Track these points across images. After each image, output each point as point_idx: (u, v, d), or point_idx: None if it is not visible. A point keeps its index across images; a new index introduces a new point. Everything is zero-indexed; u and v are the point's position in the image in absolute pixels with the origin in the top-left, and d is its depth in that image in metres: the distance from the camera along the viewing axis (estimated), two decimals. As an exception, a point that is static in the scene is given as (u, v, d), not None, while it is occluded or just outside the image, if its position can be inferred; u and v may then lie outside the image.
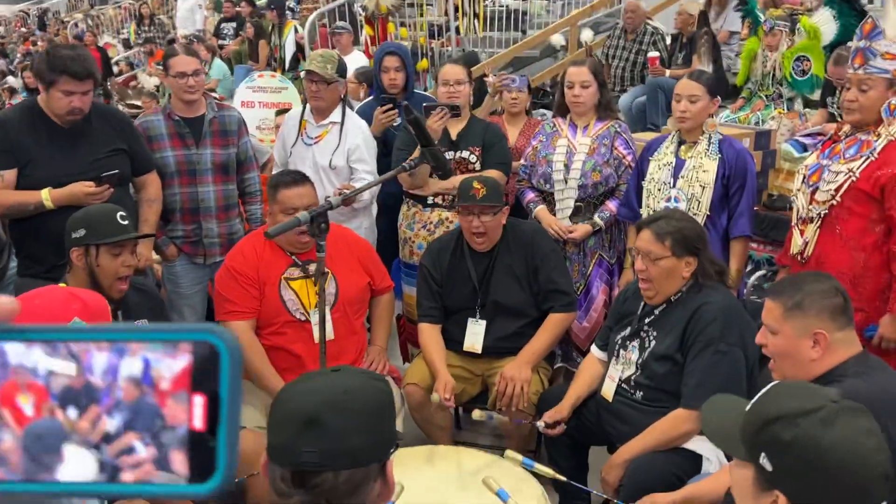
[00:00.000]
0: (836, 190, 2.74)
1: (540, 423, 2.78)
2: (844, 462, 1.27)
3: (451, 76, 3.60)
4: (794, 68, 5.62)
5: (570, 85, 3.49)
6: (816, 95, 5.49)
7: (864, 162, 2.72)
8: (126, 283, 2.55)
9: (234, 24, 10.96)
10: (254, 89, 6.01)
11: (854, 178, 2.71)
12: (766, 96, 5.75)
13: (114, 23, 15.89)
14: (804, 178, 2.90)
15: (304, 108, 3.73)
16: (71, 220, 2.52)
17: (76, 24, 14.80)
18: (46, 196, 2.91)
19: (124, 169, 3.14)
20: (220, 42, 10.86)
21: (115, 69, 12.07)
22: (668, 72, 6.09)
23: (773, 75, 5.73)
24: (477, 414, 2.80)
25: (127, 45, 13.66)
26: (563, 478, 2.43)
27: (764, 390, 1.43)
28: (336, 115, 3.68)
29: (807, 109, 5.48)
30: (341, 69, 3.64)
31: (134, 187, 3.29)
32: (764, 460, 1.31)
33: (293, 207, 2.84)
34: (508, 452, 2.36)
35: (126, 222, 2.52)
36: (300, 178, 2.99)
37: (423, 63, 7.97)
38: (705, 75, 3.38)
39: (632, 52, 6.53)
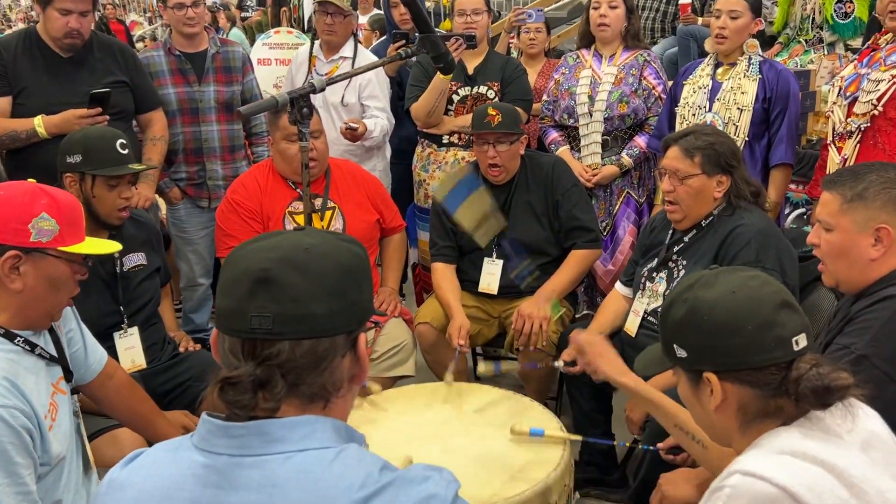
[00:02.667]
0: (879, 99, 2.49)
1: (559, 363, 2.58)
2: (735, 307, 1.25)
3: (468, 5, 3.38)
4: (835, 10, 5.30)
5: (597, 5, 3.26)
6: (859, 42, 5.17)
7: (910, 68, 2.48)
8: (126, 211, 2.40)
9: (256, -3, 10.88)
10: (270, 46, 5.86)
11: (900, 85, 2.47)
12: (806, 41, 5.45)
13: (141, 2, 15.94)
14: (840, 90, 2.65)
15: (313, 43, 3.56)
16: (67, 141, 2.34)
17: (102, 5, 14.82)
18: (39, 123, 2.77)
19: (126, 104, 3.00)
20: (243, 14, 10.78)
21: (141, 45, 12.04)
22: (700, 20, 5.80)
23: (813, 19, 5.42)
24: (482, 368, 2.55)
25: (152, 21, 13.65)
26: (578, 437, 2.22)
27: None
28: (347, 49, 3.52)
29: (849, 53, 5.16)
30: (355, 2, 3.47)
31: (138, 125, 3.15)
32: (679, 351, 1.30)
33: (295, 134, 2.67)
34: (514, 426, 2.13)
35: (126, 151, 2.35)
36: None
37: (447, 24, 7.74)
38: None
39: (662, 1, 6.25)
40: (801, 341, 1.25)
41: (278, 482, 0.94)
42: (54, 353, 1.68)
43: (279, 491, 0.94)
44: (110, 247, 1.76)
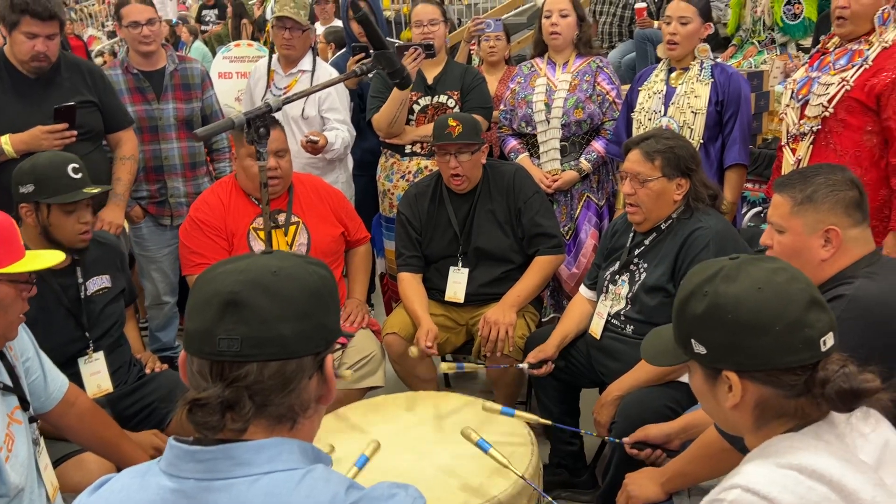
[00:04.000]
0: (829, 101, 2.57)
1: (524, 365, 2.62)
2: (762, 306, 1.16)
3: (424, 16, 3.42)
4: (784, 12, 5.44)
5: (549, 14, 3.31)
6: (809, 41, 5.30)
7: (857, 70, 2.56)
8: (88, 234, 2.38)
9: (215, 11, 10.81)
10: (231, 59, 5.83)
11: (848, 87, 2.55)
12: (759, 42, 5.57)
13: (98, 17, 15.72)
14: (793, 92, 2.73)
15: (271, 57, 3.56)
16: (17, 172, 2.32)
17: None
18: (6, 141, 2.74)
19: (95, 124, 2.97)
20: (203, 28, 10.71)
21: (100, 59, 11.89)
22: (656, 23, 5.89)
23: (764, 21, 5.55)
24: (444, 367, 2.59)
25: (112, 36, 13.48)
26: (547, 421, 2.28)
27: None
28: (306, 63, 3.53)
29: (800, 53, 5.29)
30: (312, 15, 3.48)
31: (109, 144, 3.12)
32: (698, 347, 1.22)
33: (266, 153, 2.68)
34: (485, 404, 2.18)
35: (79, 175, 2.32)
36: (269, 122, 2.80)
37: (408, 33, 7.77)
38: None
39: (619, 6, 6.34)
40: (829, 341, 1.17)
41: None
42: (9, 382, 1.66)
43: None
44: (52, 259, 1.73)
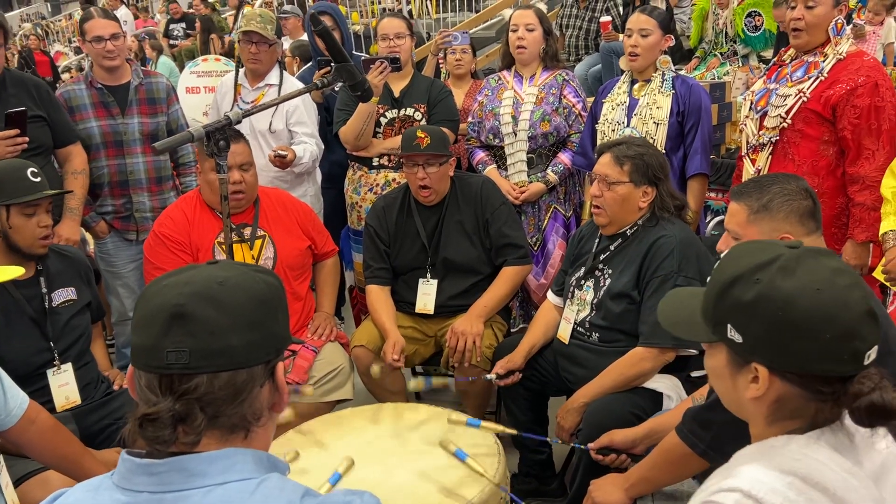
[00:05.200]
0: (787, 112, 2.63)
1: (491, 375, 2.63)
2: (817, 308, 1.07)
3: (390, 30, 3.44)
4: (746, 24, 5.56)
5: (515, 28, 3.35)
6: (770, 52, 5.42)
7: (813, 82, 2.62)
8: (49, 239, 2.37)
9: (182, 25, 10.76)
10: (198, 74, 5.81)
11: (805, 99, 2.61)
12: (721, 54, 5.69)
13: (65, 33, 15.58)
14: (751, 104, 2.79)
15: (238, 71, 3.56)
16: None
17: (26, 36, 14.46)
18: None
19: (44, 139, 2.95)
20: (172, 42, 10.65)
21: (67, 76, 11.77)
22: (621, 36, 5.96)
23: (726, 33, 5.67)
24: (412, 384, 2.54)
25: (79, 52, 13.35)
26: (513, 431, 2.29)
27: (722, 256, 1.23)
28: (273, 76, 3.53)
29: (761, 65, 5.41)
30: (279, 30, 3.49)
31: (57, 160, 3.10)
32: (733, 333, 1.13)
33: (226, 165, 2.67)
34: (451, 415, 2.19)
35: (38, 179, 2.32)
36: (234, 135, 2.80)
37: (376, 47, 7.80)
38: (657, 10, 3.24)
39: (585, 20, 6.44)
40: (872, 355, 1.10)
41: None
42: None
43: None
44: (12, 272, 1.72)
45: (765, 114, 2.72)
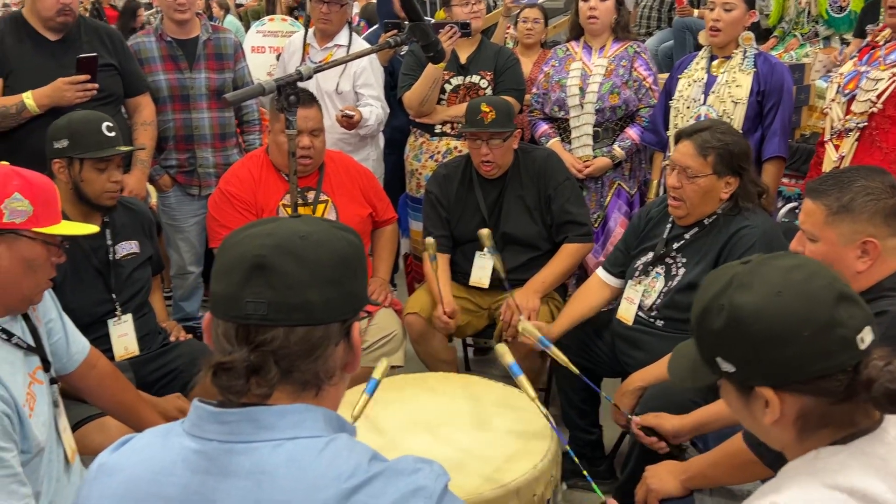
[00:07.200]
0: (878, 97, 2.49)
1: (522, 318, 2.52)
2: (784, 312, 1.05)
3: None
4: (830, 4, 5.30)
5: (587, -2, 3.25)
6: (851, 35, 5.16)
7: (909, 65, 2.47)
8: (118, 193, 2.39)
9: (252, -17, 10.77)
10: (264, 33, 5.80)
11: (899, 83, 2.46)
12: (801, 35, 5.44)
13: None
14: (839, 87, 2.64)
15: (306, 31, 3.54)
16: (53, 128, 2.33)
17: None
18: (28, 96, 2.74)
19: (115, 88, 2.97)
20: (238, 1, 10.69)
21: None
22: (696, 12, 5.78)
23: (809, 12, 5.41)
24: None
25: (148, 8, 13.54)
26: (575, 370, 2.16)
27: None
28: (342, 37, 3.50)
29: (844, 47, 5.16)
30: (351, -13, 3.45)
31: (126, 110, 3.12)
32: (724, 364, 1.11)
33: (297, 130, 2.65)
34: (523, 325, 2.17)
35: (113, 134, 2.33)
36: (307, 99, 2.75)
37: (441, 14, 7.70)
38: None
39: (659, -8, 6.23)
40: (867, 337, 1.06)
41: (267, 469, 0.94)
42: (31, 342, 1.67)
43: (268, 478, 0.94)
44: (86, 228, 1.74)
45: (853, 97, 2.57)
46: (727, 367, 1.11)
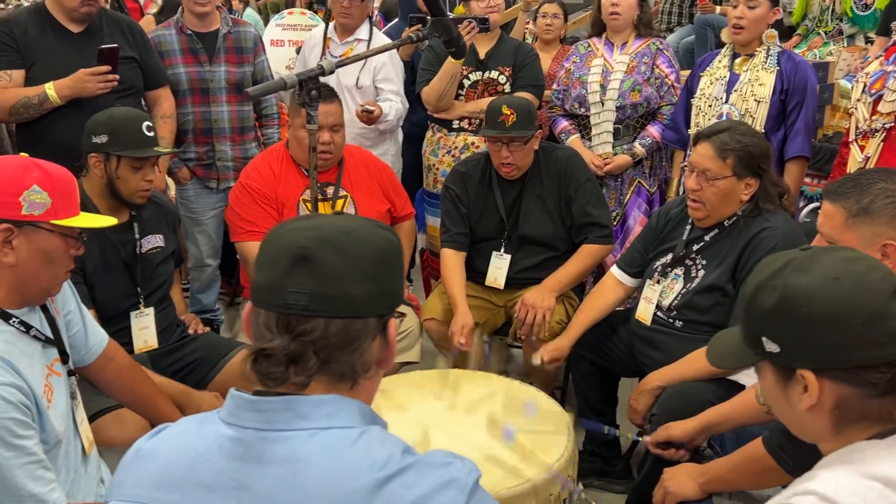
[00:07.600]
0: (905, 97, 2.45)
1: (536, 360, 2.54)
2: (839, 297, 1.06)
3: None
4: (855, 2, 5.22)
5: (609, -6, 3.22)
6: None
7: (938, 65, 2.43)
8: (149, 192, 2.41)
9: (271, -24, 10.79)
10: (283, 27, 5.81)
11: (927, 83, 2.42)
12: (825, 33, 5.37)
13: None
14: (865, 86, 2.60)
15: (328, 25, 3.53)
16: (92, 122, 2.34)
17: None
18: (50, 86, 2.75)
19: (136, 80, 2.98)
20: (258, -6, 10.71)
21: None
22: (718, 8, 5.72)
23: (833, 10, 5.34)
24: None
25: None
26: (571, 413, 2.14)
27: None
28: (363, 31, 3.50)
29: (868, 45, 5.09)
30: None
31: (146, 103, 3.13)
32: (769, 345, 1.12)
33: (318, 125, 2.64)
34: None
35: (152, 134, 2.35)
36: (328, 94, 2.74)
37: (460, 9, 7.67)
38: None
39: (680, -11, 6.18)
40: None
41: (302, 457, 0.96)
42: (49, 334, 1.67)
43: (303, 466, 0.96)
44: (104, 221, 1.74)
45: (879, 97, 2.53)
46: (772, 346, 1.12)
